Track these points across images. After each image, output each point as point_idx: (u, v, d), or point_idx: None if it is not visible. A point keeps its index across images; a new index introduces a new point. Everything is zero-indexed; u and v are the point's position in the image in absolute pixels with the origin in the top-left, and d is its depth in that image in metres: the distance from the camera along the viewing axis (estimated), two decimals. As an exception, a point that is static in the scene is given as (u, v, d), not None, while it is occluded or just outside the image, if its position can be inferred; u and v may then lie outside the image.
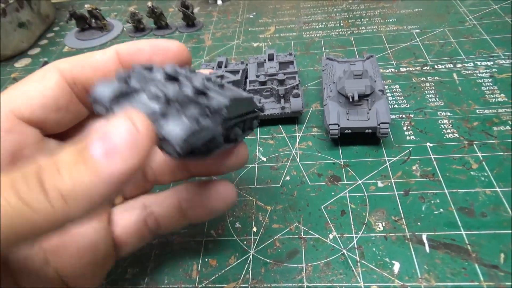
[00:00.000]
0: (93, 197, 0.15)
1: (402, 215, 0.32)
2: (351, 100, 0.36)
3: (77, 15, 0.64)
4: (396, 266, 0.29)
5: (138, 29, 0.64)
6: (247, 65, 0.46)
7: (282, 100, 0.41)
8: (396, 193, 0.34)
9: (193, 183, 0.27)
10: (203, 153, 0.22)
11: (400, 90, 0.44)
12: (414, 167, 0.36)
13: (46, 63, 0.43)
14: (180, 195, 0.26)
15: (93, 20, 0.65)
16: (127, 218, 0.26)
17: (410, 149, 0.37)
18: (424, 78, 0.45)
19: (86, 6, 0.63)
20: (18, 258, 0.22)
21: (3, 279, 0.21)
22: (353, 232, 0.31)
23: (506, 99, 0.41)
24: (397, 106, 0.42)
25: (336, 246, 0.31)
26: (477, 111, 0.40)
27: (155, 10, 0.61)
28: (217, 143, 0.22)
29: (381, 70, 0.47)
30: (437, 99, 0.42)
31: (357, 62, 0.42)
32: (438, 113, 0.41)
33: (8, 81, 0.57)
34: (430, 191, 0.33)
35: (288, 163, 0.38)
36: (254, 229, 0.33)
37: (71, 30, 0.68)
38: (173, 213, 0.26)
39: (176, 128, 0.17)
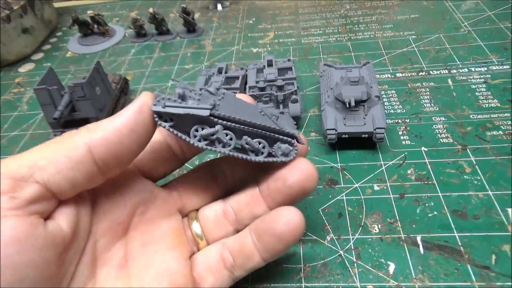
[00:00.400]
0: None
1: (398, 218, 0.33)
2: (348, 106, 0.37)
3: (80, 20, 0.65)
4: (391, 267, 0.30)
5: (140, 35, 0.65)
6: (246, 71, 0.47)
7: (281, 106, 0.42)
8: (391, 196, 0.35)
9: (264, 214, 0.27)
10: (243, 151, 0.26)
11: (396, 95, 0.45)
12: (409, 171, 0.37)
13: (51, 69, 0.44)
14: (251, 227, 0.27)
15: (96, 26, 0.66)
16: (206, 254, 0.28)
17: (406, 153, 0.38)
18: (419, 84, 0.46)
19: (88, 12, 0.64)
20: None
21: None
22: (350, 234, 0.32)
23: (499, 105, 0.42)
24: (393, 111, 0.43)
25: (333, 247, 0.32)
26: (471, 116, 0.41)
27: (157, 16, 0.62)
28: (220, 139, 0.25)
29: (378, 76, 0.49)
30: (432, 104, 0.43)
31: (354, 68, 0.43)
32: (433, 118, 0.42)
33: (12, 85, 0.58)
34: (424, 194, 0.34)
35: (287, 167, 0.39)
36: (254, 231, 0.34)
37: (74, 35, 0.69)
38: (245, 245, 0.26)
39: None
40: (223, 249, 0.27)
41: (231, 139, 0.25)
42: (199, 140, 0.25)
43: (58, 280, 0.21)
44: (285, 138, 0.26)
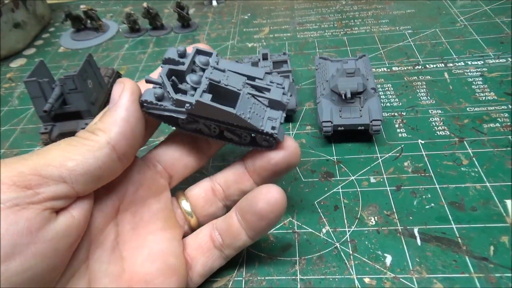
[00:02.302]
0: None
1: (394, 210, 0.32)
2: (344, 97, 0.37)
3: (73, 15, 0.64)
4: (388, 259, 0.29)
5: (134, 30, 0.64)
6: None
7: (276, 98, 0.42)
8: (388, 188, 0.34)
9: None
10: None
11: (392, 89, 0.45)
12: (406, 163, 0.36)
13: (42, 62, 0.43)
14: (236, 206, 0.27)
15: (89, 21, 0.66)
16: (197, 235, 0.29)
17: (402, 146, 0.38)
18: (416, 77, 0.46)
19: (81, 6, 0.64)
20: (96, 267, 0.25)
21: None
22: (346, 226, 0.32)
23: (496, 97, 0.41)
24: (389, 105, 0.43)
25: (329, 240, 0.31)
26: (467, 109, 0.41)
27: (151, 11, 0.61)
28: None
29: (374, 70, 0.48)
30: (428, 97, 0.43)
31: (349, 60, 0.43)
32: (430, 111, 0.41)
33: (4, 81, 0.57)
34: (421, 187, 0.34)
35: (282, 160, 0.38)
36: (248, 224, 0.33)
37: (67, 30, 0.68)
38: (231, 225, 0.27)
39: None
40: (212, 229, 0.28)
41: (215, 129, 0.27)
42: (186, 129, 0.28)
43: (63, 267, 0.22)
44: (264, 136, 0.27)
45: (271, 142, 0.27)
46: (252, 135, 0.27)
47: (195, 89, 0.25)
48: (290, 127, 0.42)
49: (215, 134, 0.28)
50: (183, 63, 0.27)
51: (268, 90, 0.27)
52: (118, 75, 0.51)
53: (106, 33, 0.65)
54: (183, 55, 0.27)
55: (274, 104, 0.27)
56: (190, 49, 0.28)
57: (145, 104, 0.25)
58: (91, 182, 0.22)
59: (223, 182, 0.29)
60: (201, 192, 0.30)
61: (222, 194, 0.29)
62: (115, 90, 0.25)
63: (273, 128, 0.26)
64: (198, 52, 0.28)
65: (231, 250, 0.27)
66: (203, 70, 0.27)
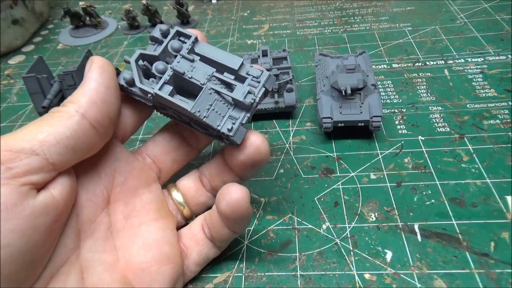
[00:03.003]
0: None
1: (395, 206, 0.32)
2: (344, 94, 0.37)
3: (72, 12, 0.64)
4: (389, 255, 0.29)
5: (133, 27, 0.64)
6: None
7: (276, 95, 0.42)
8: (388, 184, 0.34)
9: None
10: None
11: (392, 85, 0.45)
12: (406, 160, 0.36)
13: (40, 58, 0.43)
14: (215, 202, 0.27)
15: (88, 18, 0.65)
16: (191, 226, 0.29)
17: (402, 142, 0.38)
18: (416, 74, 0.46)
19: (80, 3, 0.63)
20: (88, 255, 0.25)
21: None
22: (346, 222, 0.32)
23: (496, 94, 0.41)
24: (389, 101, 0.43)
25: (329, 236, 0.31)
26: (467, 105, 0.41)
27: (150, 7, 0.61)
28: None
29: (374, 67, 0.48)
30: (428, 94, 0.43)
31: (349, 57, 0.42)
32: (430, 107, 0.41)
33: (2, 77, 0.57)
34: (421, 183, 0.34)
35: (282, 157, 0.38)
36: (248, 220, 0.33)
37: (66, 27, 0.68)
38: (214, 219, 0.27)
39: None
40: (203, 221, 0.28)
41: (184, 117, 0.27)
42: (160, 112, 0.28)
43: (45, 248, 0.22)
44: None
45: (232, 142, 0.26)
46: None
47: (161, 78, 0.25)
48: (290, 123, 0.42)
49: (186, 122, 0.28)
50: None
51: (235, 86, 0.26)
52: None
53: (105, 30, 0.65)
54: (166, 34, 0.27)
55: (237, 103, 0.26)
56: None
57: (121, 89, 0.26)
58: (66, 153, 0.22)
59: (208, 174, 0.30)
60: (191, 183, 0.30)
61: (208, 185, 0.30)
62: (86, 68, 0.25)
63: (229, 130, 0.25)
64: (179, 34, 0.27)
65: (221, 243, 0.28)
66: (176, 57, 0.26)
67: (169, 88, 0.25)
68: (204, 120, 0.25)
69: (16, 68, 0.59)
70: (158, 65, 0.25)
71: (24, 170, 0.20)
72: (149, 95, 0.25)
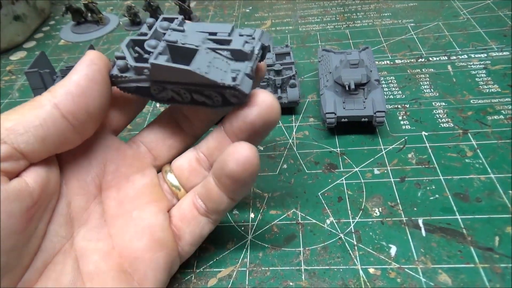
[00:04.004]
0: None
1: (399, 201, 0.32)
2: (347, 89, 0.37)
3: (73, 8, 0.63)
4: (393, 250, 0.29)
5: (135, 23, 0.64)
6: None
7: (279, 90, 0.41)
8: (392, 180, 0.34)
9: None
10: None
11: (395, 81, 0.45)
12: (409, 155, 0.36)
13: (43, 54, 0.43)
14: (212, 170, 0.26)
15: (89, 14, 0.65)
16: (180, 206, 0.28)
17: (406, 137, 0.38)
18: (419, 70, 0.46)
19: (82, -1, 0.63)
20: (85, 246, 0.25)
21: None
22: (350, 217, 0.32)
23: (500, 90, 0.41)
24: (392, 97, 0.43)
25: (333, 230, 0.31)
26: (471, 101, 0.40)
27: (152, 3, 0.61)
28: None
29: (377, 62, 0.48)
30: (432, 90, 0.43)
31: (353, 52, 0.42)
32: (433, 103, 0.41)
33: (4, 73, 0.57)
34: (425, 178, 0.34)
35: (285, 152, 0.38)
36: (252, 215, 0.33)
37: (67, 23, 0.68)
38: (211, 190, 0.26)
39: None
40: (194, 197, 0.27)
41: (185, 93, 0.26)
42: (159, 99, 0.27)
43: (26, 235, 0.22)
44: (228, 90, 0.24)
45: (239, 96, 0.24)
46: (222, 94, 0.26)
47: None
48: (293, 119, 0.42)
49: (188, 100, 0.26)
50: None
51: (230, 41, 0.25)
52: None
53: (106, 26, 0.65)
54: (152, 26, 0.27)
55: (237, 56, 0.25)
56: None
57: (113, 79, 0.25)
58: (35, 143, 0.22)
59: (206, 150, 0.28)
60: (185, 163, 0.29)
61: (206, 162, 0.28)
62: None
63: (233, 79, 0.23)
64: (165, 19, 0.27)
65: (217, 215, 0.27)
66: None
67: (164, 57, 0.24)
68: (206, 75, 0.23)
69: (18, 64, 0.59)
70: (150, 42, 0.25)
71: None
72: (145, 70, 0.24)
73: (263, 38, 0.26)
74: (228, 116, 0.26)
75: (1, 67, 0.59)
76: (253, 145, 0.24)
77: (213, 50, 0.25)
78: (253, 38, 0.26)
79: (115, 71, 0.25)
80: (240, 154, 0.23)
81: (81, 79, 0.23)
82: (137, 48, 0.26)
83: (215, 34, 0.26)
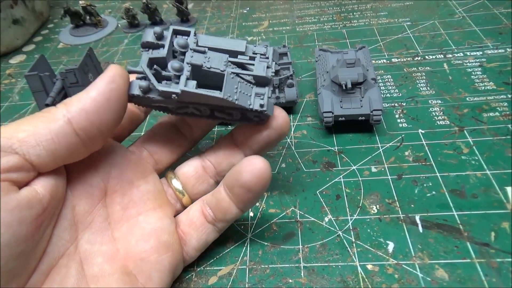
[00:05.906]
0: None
1: (396, 198, 0.33)
2: (344, 88, 0.37)
3: (72, 11, 0.64)
4: (391, 246, 0.30)
5: (133, 25, 0.64)
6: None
7: (277, 90, 0.42)
8: (389, 177, 0.35)
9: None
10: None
11: (392, 80, 0.45)
12: (406, 153, 0.36)
13: (42, 57, 0.43)
14: (224, 180, 0.27)
15: (88, 17, 0.65)
16: (188, 212, 0.29)
17: (403, 135, 0.38)
18: (415, 68, 0.46)
19: (80, 2, 0.63)
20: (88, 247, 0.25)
21: None
22: (348, 215, 0.32)
23: (495, 87, 0.42)
24: (389, 95, 0.43)
25: (331, 228, 0.31)
26: (467, 98, 0.41)
27: (150, 6, 0.61)
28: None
29: (373, 61, 0.48)
30: (428, 88, 0.43)
31: (349, 51, 0.43)
32: (430, 101, 0.41)
33: (3, 77, 0.57)
34: (422, 175, 0.34)
35: (284, 151, 0.39)
36: (251, 214, 0.33)
37: (66, 26, 0.68)
38: (221, 200, 0.27)
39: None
40: (203, 205, 0.28)
41: (205, 110, 0.27)
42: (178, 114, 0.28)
43: (35, 241, 0.22)
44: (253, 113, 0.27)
45: (263, 118, 0.27)
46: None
47: (178, 76, 0.25)
48: (291, 118, 0.42)
49: (207, 115, 0.28)
50: (162, 45, 0.26)
51: (252, 65, 0.27)
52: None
53: (105, 28, 0.65)
54: (160, 37, 0.26)
55: (259, 80, 0.27)
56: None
57: (134, 100, 0.26)
58: (46, 156, 0.22)
59: (214, 158, 0.30)
60: (191, 170, 0.30)
61: (213, 171, 0.30)
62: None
63: (261, 106, 0.26)
64: (176, 32, 0.27)
65: (224, 224, 0.28)
66: (184, 53, 0.26)
67: (193, 82, 0.25)
68: (237, 103, 0.25)
69: (17, 68, 0.59)
70: (174, 63, 0.25)
71: (4, 168, 0.20)
72: (173, 96, 0.25)
73: (275, 56, 0.27)
74: (241, 129, 0.29)
75: (1, 70, 0.59)
76: (264, 158, 0.26)
77: (237, 74, 0.26)
78: (267, 57, 0.27)
79: (136, 91, 0.25)
80: (255, 166, 0.25)
81: (99, 96, 0.23)
82: (156, 67, 0.25)
83: (235, 54, 0.27)
